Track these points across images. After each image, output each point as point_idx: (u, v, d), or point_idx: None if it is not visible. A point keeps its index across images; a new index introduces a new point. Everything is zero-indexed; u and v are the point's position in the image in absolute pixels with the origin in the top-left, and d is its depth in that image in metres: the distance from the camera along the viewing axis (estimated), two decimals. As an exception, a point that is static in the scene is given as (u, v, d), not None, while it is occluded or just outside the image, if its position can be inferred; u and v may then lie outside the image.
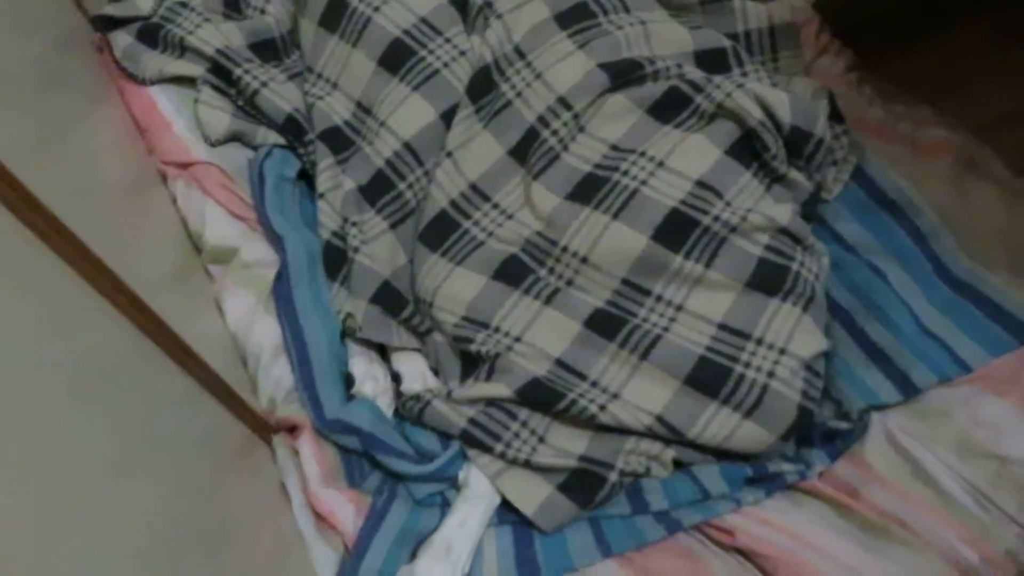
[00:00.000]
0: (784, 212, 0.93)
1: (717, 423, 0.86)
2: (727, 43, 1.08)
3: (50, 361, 0.51)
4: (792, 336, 0.89)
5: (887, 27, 1.19)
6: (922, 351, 0.90)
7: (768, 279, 0.90)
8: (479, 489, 0.84)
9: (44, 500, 0.44)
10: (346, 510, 0.83)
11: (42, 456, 0.46)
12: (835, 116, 1.06)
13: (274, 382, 0.92)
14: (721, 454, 0.88)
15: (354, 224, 1.00)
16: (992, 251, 0.95)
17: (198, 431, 0.74)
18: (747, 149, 0.97)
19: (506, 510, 0.85)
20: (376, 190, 1.04)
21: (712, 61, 1.07)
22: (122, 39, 1.12)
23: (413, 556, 0.81)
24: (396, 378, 0.94)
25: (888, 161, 1.04)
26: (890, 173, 1.03)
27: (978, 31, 1.28)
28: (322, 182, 1.04)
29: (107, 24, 1.14)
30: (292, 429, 0.90)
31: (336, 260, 0.99)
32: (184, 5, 1.14)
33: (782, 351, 0.88)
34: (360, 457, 0.88)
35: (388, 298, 0.95)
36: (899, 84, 1.13)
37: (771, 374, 0.86)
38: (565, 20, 1.06)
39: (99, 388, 0.56)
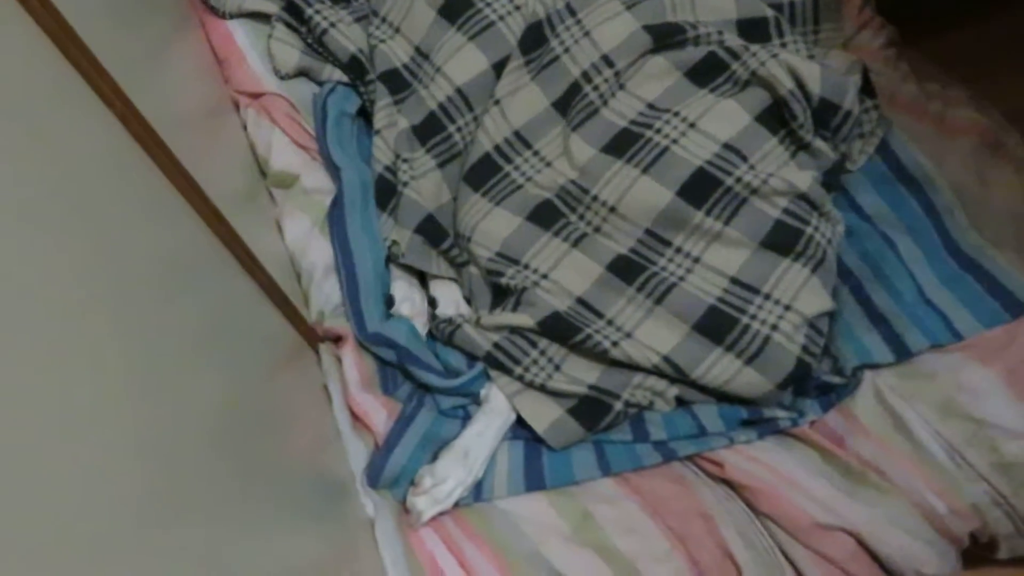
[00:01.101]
0: (805, 179, 0.99)
1: (720, 367, 0.94)
2: (770, 13, 1.12)
3: (144, 255, 0.60)
4: (799, 294, 0.95)
5: (930, 5, 1.22)
6: (919, 318, 0.96)
7: (782, 240, 0.97)
8: (498, 406, 0.94)
9: (133, 374, 0.52)
10: (379, 413, 0.94)
11: (134, 336, 0.54)
12: (867, 90, 1.10)
13: (324, 297, 1.03)
14: (721, 396, 0.96)
15: (405, 160, 1.09)
16: (1002, 231, 1.00)
17: (259, 332, 0.84)
18: (776, 117, 1.03)
19: (520, 427, 0.95)
20: (428, 130, 1.12)
21: (753, 29, 1.12)
22: (207, -27, 1.21)
23: (434, 458, 0.92)
24: (432, 302, 1.04)
25: (913, 137, 1.08)
26: (913, 149, 1.07)
27: (1021, 15, 1.29)
28: (379, 120, 1.13)
29: (193, -41, 1.23)
30: (337, 339, 1.01)
31: (387, 192, 1.09)
32: (264, -55, 1.22)
33: (787, 307, 0.95)
34: (395, 368, 0.98)
35: (431, 230, 1.04)
36: (936, 62, 1.16)
37: (774, 327, 0.94)
38: (616, -19, 1.11)
39: (183, 282, 0.66)
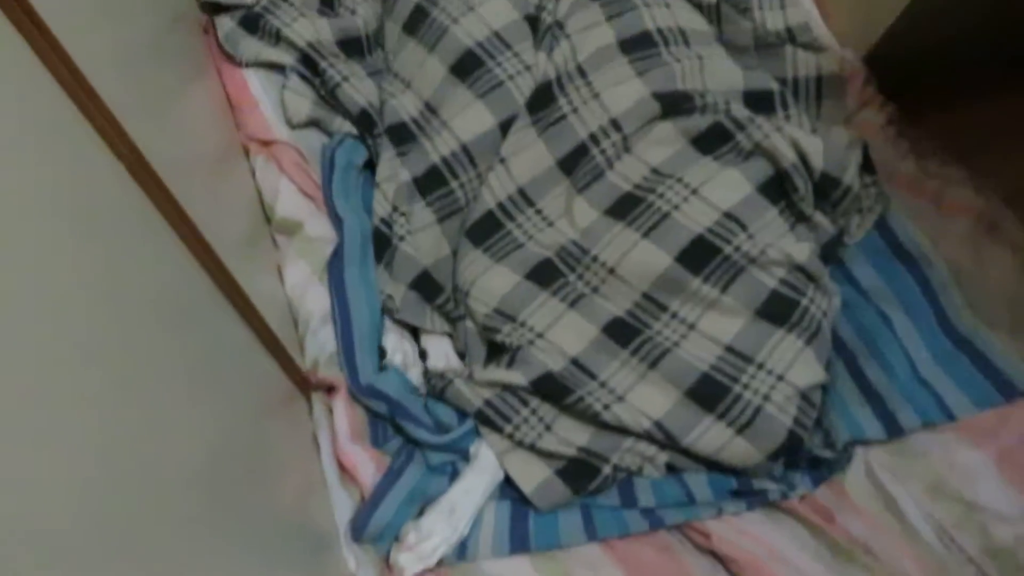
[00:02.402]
0: (803, 250, 1.00)
1: (711, 435, 0.94)
2: (775, 86, 1.15)
3: (140, 295, 0.61)
4: (792, 366, 0.95)
5: (933, 85, 1.24)
6: (913, 396, 0.96)
7: (777, 310, 0.97)
8: (486, 464, 0.94)
9: (122, 409, 0.52)
10: (367, 466, 0.93)
11: (123, 375, 0.54)
12: (867, 167, 1.12)
13: (319, 346, 1.03)
14: (711, 464, 0.96)
15: (402, 214, 1.10)
16: (997, 312, 1.00)
17: (251, 377, 0.84)
18: (777, 188, 1.04)
19: (508, 487, 0.94)
20: (429, 184, 1.14)
21: (759, 101, 1.14)
22: (226, 24, 1.24)
23: (420, 514, 0.91)
24: (423, 355, 1.05)
25: (911, 215, 1.09)
26: (911, 226, 1.08)
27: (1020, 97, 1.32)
28: (381, 172, 1.14)
29: (214, 9, 1.26)
30: (329, 389, 1.01)
31: (382, 245, 1.10)
32: (285, -1, 1.26)
33: (780, 378, 0.95)
34: (385, 421, 0.98)
35: (426, 286, 1.05)
36: (936, 140, 1.18)
37: (767, 397, 0.94)
38: (628, 47, 1.14)
39: (175, 325, 0.67)
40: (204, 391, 0.72)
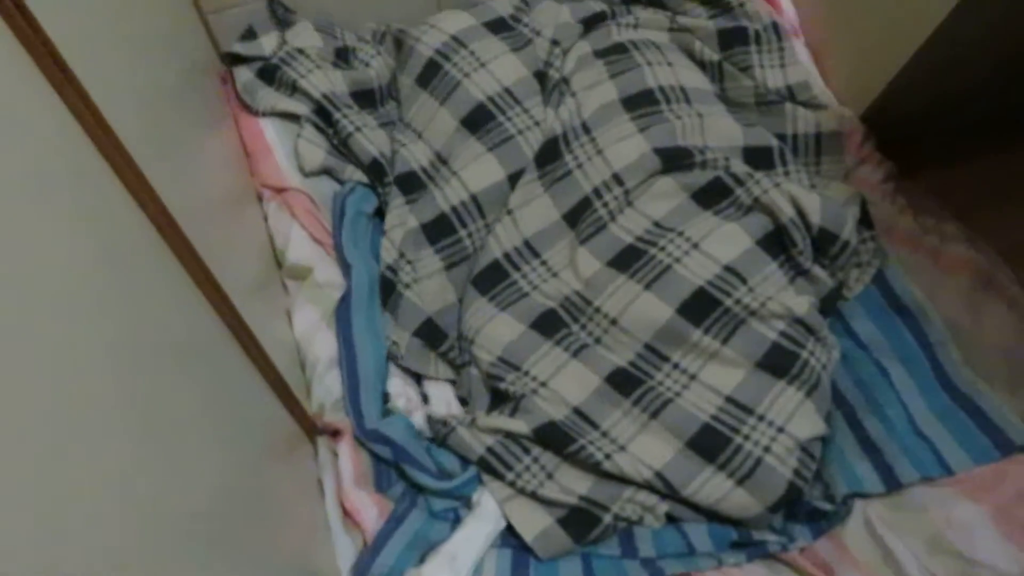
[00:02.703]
0: (802, 304, 1.02)
1: (711, 486, 0.95)
2: (775, 143, 1.18)
3: (153, 339, 0.63)
4: (792, 417, 0.97)
5: (929, 142, 1.27)
6: (910, 449, 0.97)
7: (777, 362, 0.99)
8: (488, 511, 0.95)
9: (129, 445, 0.53)
10: (370, 511, 0.94)
11: (138, 415, 0.56)
12: (865, 222, 1.14)
13: (326, 390, 1.05)
14: (712, 515, 0.96)
15: (409, 262, 1.13)
16: (995, 367, 1.02)
17: (258, 420, 0.86)
18: (777, 242, 1.07)
19: (509, 534, 0.95)
20: (437, 231, 1.17)
21: (759, 157, 1.17)
22: (244, 74, 1.29)
23: (422, 560, 0.92)
24: (426, 399, 1.06)
25: (909, 269, 1.11)
26: (908, 281, 1.10)
27: (1022, 154, 1.35)
28: (389, 220, 1.17)
29: (233, 60, 1.31)
30: (335, 433, 1.02)
31: (387, 291, 1.12)
32: (301, 52, 1.29)
33: (780, 429, 0.96)
34: (389, 466, 0.99)
35: (430, 333, 1.08)
36: (933, 196, 1.21)
37: (767, 449, 0.95)
38: (631, 104, 1.18)
39: (188, 366, 0.69)
40: (213, 432, 0.73)
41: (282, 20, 1.35)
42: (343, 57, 1.34)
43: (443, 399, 1.06)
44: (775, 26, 1.29)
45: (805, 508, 0.96)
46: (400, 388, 1.06)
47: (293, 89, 1.27)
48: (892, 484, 0.95)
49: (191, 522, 0.61)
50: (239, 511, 0.74)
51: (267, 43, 1.32)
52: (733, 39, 1.28)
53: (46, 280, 0.48)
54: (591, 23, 1.29)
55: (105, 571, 0.45)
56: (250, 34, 1.33)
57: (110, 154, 0.63)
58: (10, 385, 0.41)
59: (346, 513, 0.95)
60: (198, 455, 0.67)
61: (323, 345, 1.07)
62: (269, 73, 1.28)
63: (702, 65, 1.27)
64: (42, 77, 0.56)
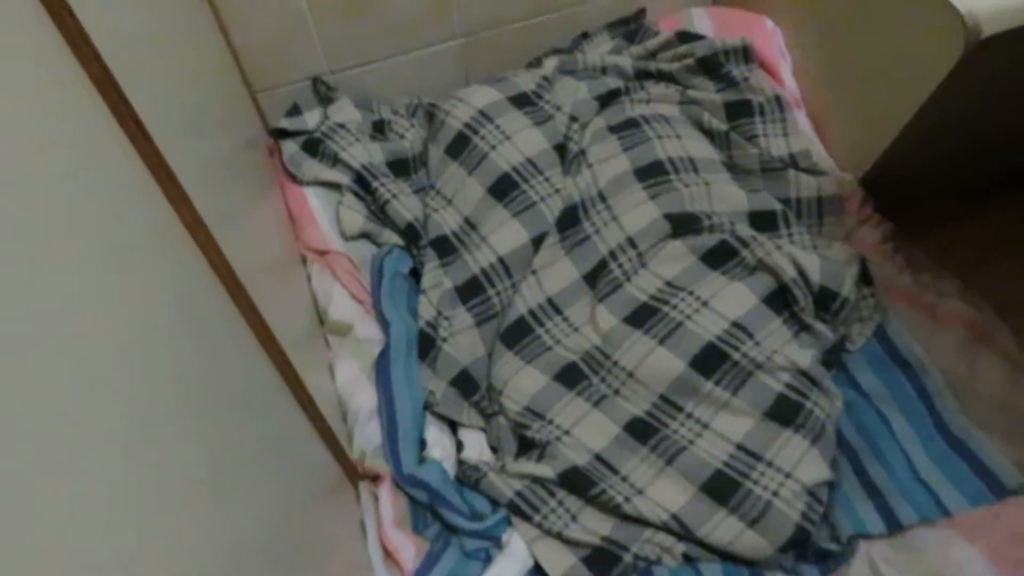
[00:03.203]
0: (805, 357, 1.10)
1: (724, 528, 1.02)
2: (778, 207, 1.27)
3: (219, 388, 0.71)
4: (799, 464, 1.04)
5: (927, 204, 1.36)
6: (911, 493, 1.03)
7: (784, 412, 1.06)
8: (517, 551, 1.02)
9: (202, 494, 0.58)
10: (408, 550, 1.02)
11: (204, 456, 0.61)
12: (866, 279, 1.22)
13: (366, 438, 1.14)
14: (725, 556, 1.03)
15: (446, 318, 1.23)
16: (989, 416, 1.08)
17: (308, 464, 0.94)
18: (780, 300, 1.15)
19: (537, 573, 1.02)
20: (469, 292, 1.26)
21: (763, 220, 1.26)
22: (290, 147, 1.41)
23: (456, 596, 1.00)
24: (459, 446, 1.15)
25: (907, 324, 1.19)
26: (907, 335, 1.17)
27: (1017, 211, 1.43)
28: (426, 280, 1.27)
29: (280, 134, 1.43)
30: (375, 478, 1.11)
31: (426, 345, 1.21)
32: (342, 126, 1.42)
33: (788, 475, 1.03)
34: (425, 509, 1.07)
35: (464, 383, 1.17)
36: (932, 255, 1.29)
37: (775, 493, 1.02)
38: (642, 174, 1.28)
39: (249, 413, 0.78)
40: (272, 475, 0.81)
41: (324, 97, 1.47)
42: (380, 129, 1.46)
43: (476, 445, 1.14)
44: (778, 98, 1.39)
45: (813, 549, 1.02)
46: (436, 437, 1.15)
47: (335, 160, 1.38)
48: (894, 526, 1.01)
49: (251, 556, 0.66)
50: (294, 548, 0.81)
51: (311, 119, 1.44)
52: (739, 111, 1.39)
53: (131, 335, 0.54)
54: (607, 99, 1.40)
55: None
56: (295, 110, 1.45)
57: (186, 218, 0.73)
58: (103, 425, 0.46)
59: (386, 552, 1.03)
60: (259, 496, 0.74)
61: (364, 396, 1.16)
62: (313, 146, 1.40)
63: (710, 135, 1.37)
64: (133, 148, 0.65)
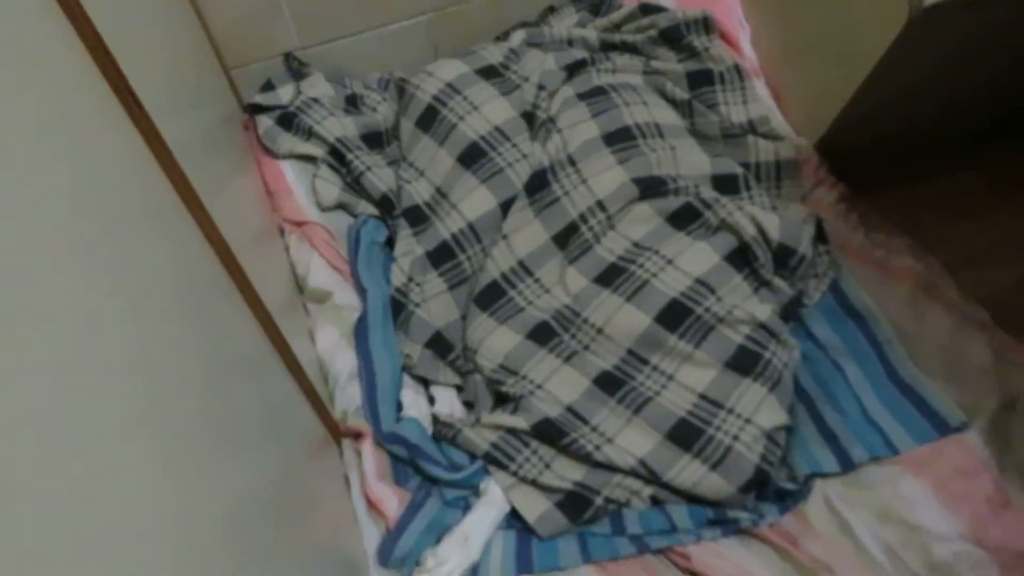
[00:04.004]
0: (764, 311, 1.16)
1: (688, 471, 1.08)
2: (739, 170, 1.33)
3: (217, 353, 0.76)
4: (758, 410, 1.10)
5: (879, 167, 1.42)
6: (862, 434, 1.10)
7: (744, 362, 1.12)
8: (495, 498, 1.08)
9: (205, 451, 0.62)
10: (391, 501, 1.07)
11: (191, 421, 0.62)
12: (821, 238, 1.29)
13: (348, 399, 1.18)
14: (690, 497, 1.09)
15: (418, 284, 1.27)
16: (934, 361, 1.15)
17: (296, 424, 0.99)
18: (741, 258, 1.21)
19: (513, 517, 1.08)
20: (440, 257, 1.31)
21: (725, 183, 1.32)
22: (265, 122, 1.44)
23: (438, 542, 1.05)
24: (431, 401, 1.20)
25: (860, 280, 1.25)
26: (860, 290, 1.24)
27: (967, 173, 1.50)
28: (398, 249, 1.32)
29: (255, 109, 1.47)
30: (357, 436, 1.15)
31: (397, 310, 1.26)
32: (315, 100, 1.45)
33: (747, 421, 1.09)
34: (406, 463, 1.13)
35: (438, 345, 1.22)
36: (882, 214, 1.35)
37: (736, 438, 1.08)
38: (611, 139, 1.33)
39: (243, 376, 0.82)
40: (263, 434, 0.84)
41: (297, 73, 1.50)
42: (352, 103, 1.49)
43: (447, 400, 1.20)
44: (737, 68, 1.44)
45: (773, 489, 1.08)
46: (412, 399, 1.20)
47: (309, 134, 1.42)
48: (847, 465, 1.08)
49: (252, 507, 0.71)
50: (284, 501, 0.85)
51: (284, 94, 1.47)
52: (700, 80, 1.44)
53: (136, 304, 0.58)
54: (574, 69, 1.45)
55: (190, 535, 0.53)
56: (269, 86, 1.48)
57: (180, 189, 0.76)
58: (113, 386, 0.49)
59: (370, 504, 1.08)
60: (256, 453, 0.78)
61: (344, 360, 1.21)
62: (287, 120, 1.43)
63: (673, 103, 1.43)
64: (130, 121, 0.69)
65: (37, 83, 0.53)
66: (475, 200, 1.33)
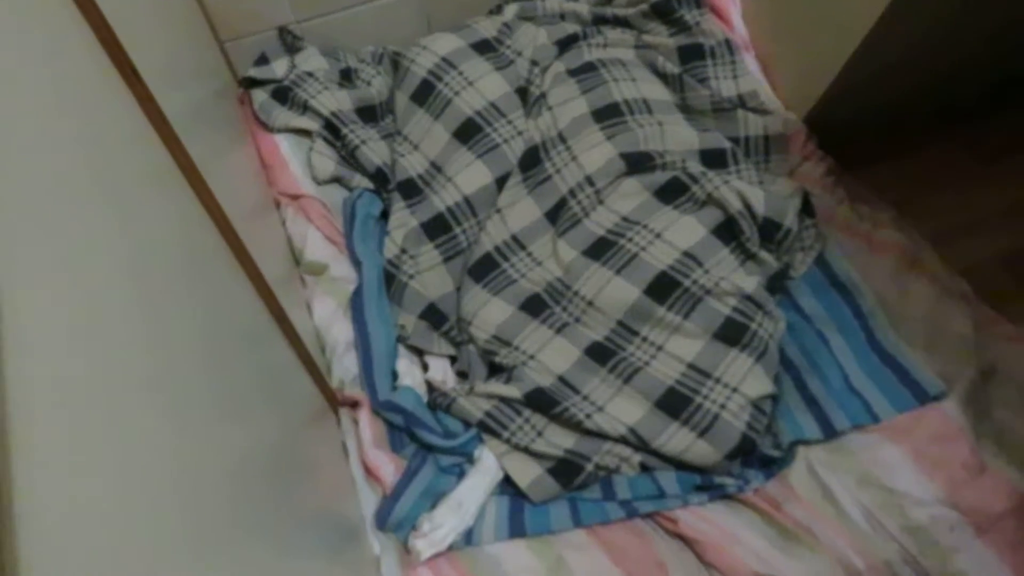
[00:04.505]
0: (751, 283, 1.19)
1: (677, 439, 1.11)
2: (728, 145, 1.35)
3: (221, 324, 0.78)
4: (745, 379, 1.13)
5: (866, 141, 1.45)
6: (845, 403, 1.13)
7: (731, 333, 1.16)
8: (488, 465, 1.11)
9: (212, 417, 0.64)
10: (388, 467, 1.11)
11: (194, 389, 0.62)
12: (808, 211, 1.31)
13: (344, 369, 1.21)
14: (678, 464, 1.12)
15: (411, 256, 1.30)
16: (915, 332, 1.18)
17: (295, 393, 1.01)
18: (728, 231, 1.24)
19: (506, 483, 1.11)
20: (435, 229, 1.33)
21: (713, 158, 1.34)
22: (260, 96, 1.45)
23: (433, 507, 1.08)
24: (425, 368, 1.23)
25: (846, 252, 1.28)
26: (845, 262, 1.27)
27: (948, 145, 1.53)
28: (392, 222, 1.34)
29: (249, 83, 1.47)
30: (354, 404, 1.18)
31: (389, 281, 1.29)
32: (310, 74, 1.46)
33: (734, 390, 1.12)
34: (402, 431, 1.16)
35: (433, 316, 1.24)
36: (868, 188, 1.38)
37: (723, 407, 1.11)
38: (599, 116, 1.35)
39: (245, 346, 0.85)
40: (264, 402, 0.86)
41: (291, 46, 1.51)
42: (347, 77, 1.50)
43: (440, 368, 1.23)
44: (728, 42, 1.46)
45: (758, 455, 1.12)
46: (407, 369, 1.22)
47: (304, 108, 1.43)
48: (829, 432, 1.11)
49: (253, 472, 0.73)
50: (284, 465, 0.87)
51: (279, 67, 1.48)
52: (691, 54, 1.46)
53: (141, 275, 0.59)
54: (565, 44, 1.46)
55: (193, 491, 0.55)
56: (263, 60, 1.49)
57: (180, 161, 0.78)
58: (126, 358, 0.51)
59: (367, 470, 1.12)
60: (257, 420, 0.79)
61: (341, 331, 1.24)
62: (282, 94, 1.44)
63: (664, 77, 1.44)
64: (129, 93, 0.70)
65: (38, 55, 0.55)
66: (471, 174, 1.34)
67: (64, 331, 0.44)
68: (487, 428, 1.13)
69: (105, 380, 0.47)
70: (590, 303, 1.21)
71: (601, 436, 1.13)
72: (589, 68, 1.40)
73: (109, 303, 0.52)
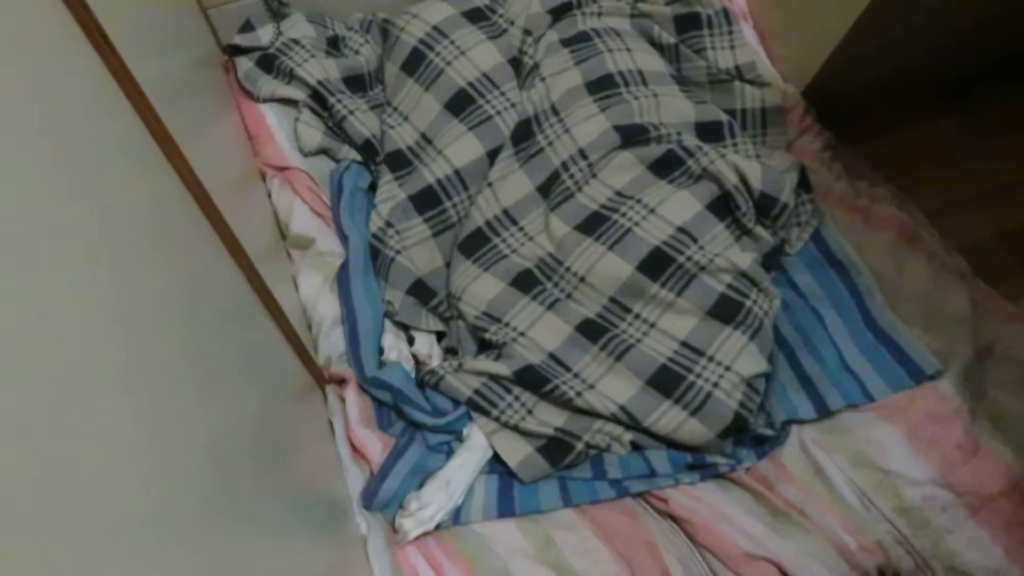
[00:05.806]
0: (746, 259, 1.16)
1: (668, 417, 1.10)
2: (724, 117, 1.32)
3: (192, 297, 0.75)
4: (738, 358, 1.12)
5: (865, 115, 1.42)
6: (839, 382, 1.12)
7: (725, 311, 1.14)
8: (477, 443, 1.10)
9: (191, 395, 0.62)
10: (375, 445, 1.09)
11: (173, 367, 0.62)
12: (805, 186, 1.29)
13: (331, 345, 1.19)
14: (669, 443, 1.11)
15: (397, 231, 1.27)
16: (912, 310, 1.17)
17: (279, 370, 0.99)
18: (723, 206, 1.21)
19: (496, 462, 1.10)
20: (425, 202, 1.30)
21: (710, 131, 1.31)
22: (244, 64, 1.41)
23: (421, 485, 1.07)
24: (411, 341, 1.21)
25: (842, 228, 1.26)
26: (841, 238, 1.25)
27: (948, 121, 1.50)
28: (379, 195, 1.31)
29: (234, 51, 1.43)
30: (341, 381, 1.16)
31: (375, 256, 1.26)
32: (296, 42, 1.42)
33: (728, 368, 1.11)
34: (390, 408, 1.14)
35: (420, 292, 1.22)
36: (866, 163, 1.36)
37: (716, 385, 1.10)
38: (593, 87, 1.31)
39: (227, 323, 0.82)
40: (247, 379, 0.84)
41: (277, 13, 1.47)
42: (334, 45, 1.46)
43: (426, 342, 1.21)
44: (725, 12, 1.42)
45: (750, 434, 1.11)
46: (393, 343, 1.20)
47: (290, 77, 1.39)
48: (823, 411, 1.10)
49: (232, 446, 0.71)
50: (268, 444, 0.86)
51: (264, 35, 1.44)
52: (688, 24, 1.42)
53: (111, 250, 0.57)
54: (559, 12, 1.42)
55: (172, 469, 0.54)
56: (248, 27, 1.45)
57: (154, 130, 0.74)
58: (100, 336, 0.49)
59: (354, 449, 1.10)
60: (239, 398, 0.78)
61: (327, 306, 1.21)
62: (267, 62, 1.40)
63: (660, 48, 1.41)
64: (99, 59, 0.67)
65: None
66: (462, 147, 1.31)
67: (31, 316, 0.42)
68: (476, 406, 1.11)
69: (75, 363, 0.45)
70: (582, 279, 1.18)
71: (592, 414, 1.11)
72: (583, 38, 1.36)
73: (75, 282, 0.49)
